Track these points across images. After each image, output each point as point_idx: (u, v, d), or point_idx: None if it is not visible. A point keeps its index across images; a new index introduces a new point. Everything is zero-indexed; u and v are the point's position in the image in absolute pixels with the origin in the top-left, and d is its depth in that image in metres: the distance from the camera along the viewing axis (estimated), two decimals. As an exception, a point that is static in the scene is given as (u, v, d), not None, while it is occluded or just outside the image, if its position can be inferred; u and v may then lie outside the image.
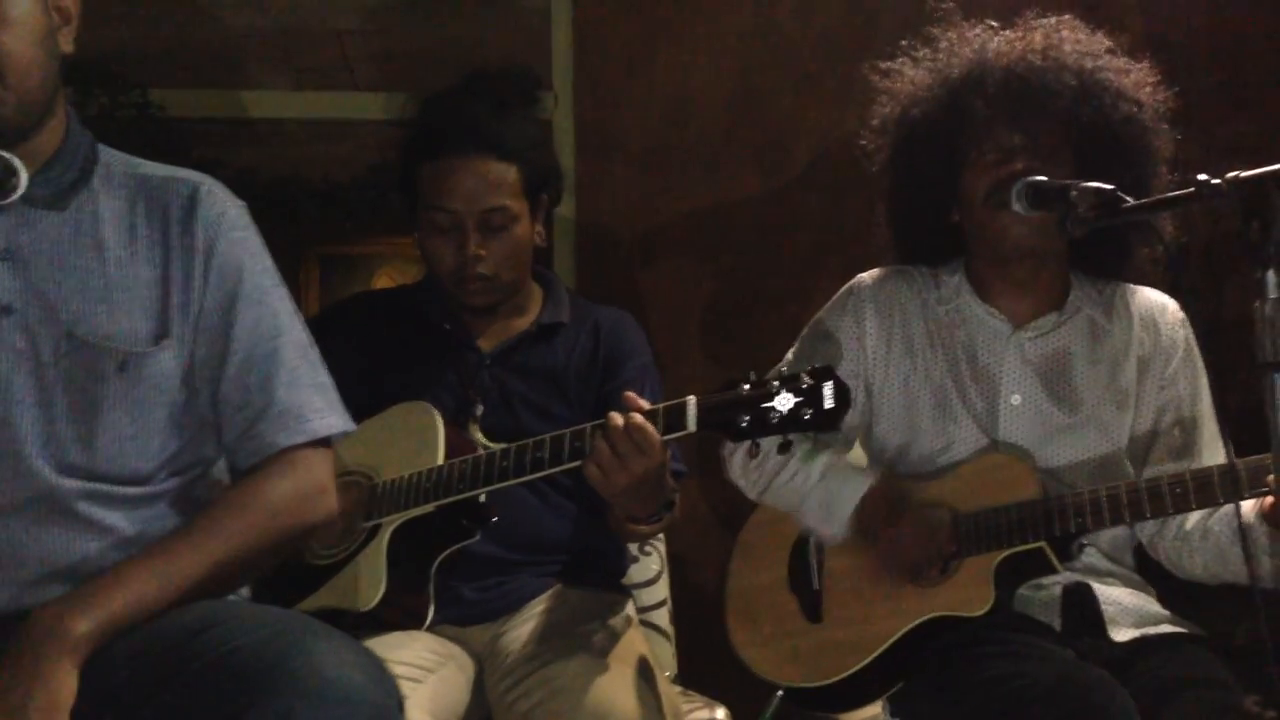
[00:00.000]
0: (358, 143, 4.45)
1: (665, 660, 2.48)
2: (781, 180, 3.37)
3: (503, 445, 2.04)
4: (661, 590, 2.54)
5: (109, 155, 1.65)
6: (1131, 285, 2.13)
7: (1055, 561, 1.89)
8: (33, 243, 1.54)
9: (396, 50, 4.11)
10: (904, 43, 2.12)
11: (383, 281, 5.72)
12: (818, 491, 2.03)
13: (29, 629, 1.40)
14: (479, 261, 2.17)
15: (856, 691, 1.97)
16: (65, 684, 1.37)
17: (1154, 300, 2.12)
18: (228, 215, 1.64)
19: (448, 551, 2.07)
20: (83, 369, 1.53)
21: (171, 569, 1.49)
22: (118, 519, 1.55)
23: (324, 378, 1.69)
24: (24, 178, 1.30)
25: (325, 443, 1.67)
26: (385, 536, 2.04)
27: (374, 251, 5.73)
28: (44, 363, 1.52)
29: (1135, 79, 2.02)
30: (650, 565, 2.55)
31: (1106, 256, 2.07)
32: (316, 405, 1.65)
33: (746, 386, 1.80)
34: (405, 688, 1.87)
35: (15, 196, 1.30)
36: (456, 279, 2.20)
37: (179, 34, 3.83)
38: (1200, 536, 1.95)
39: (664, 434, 1.83)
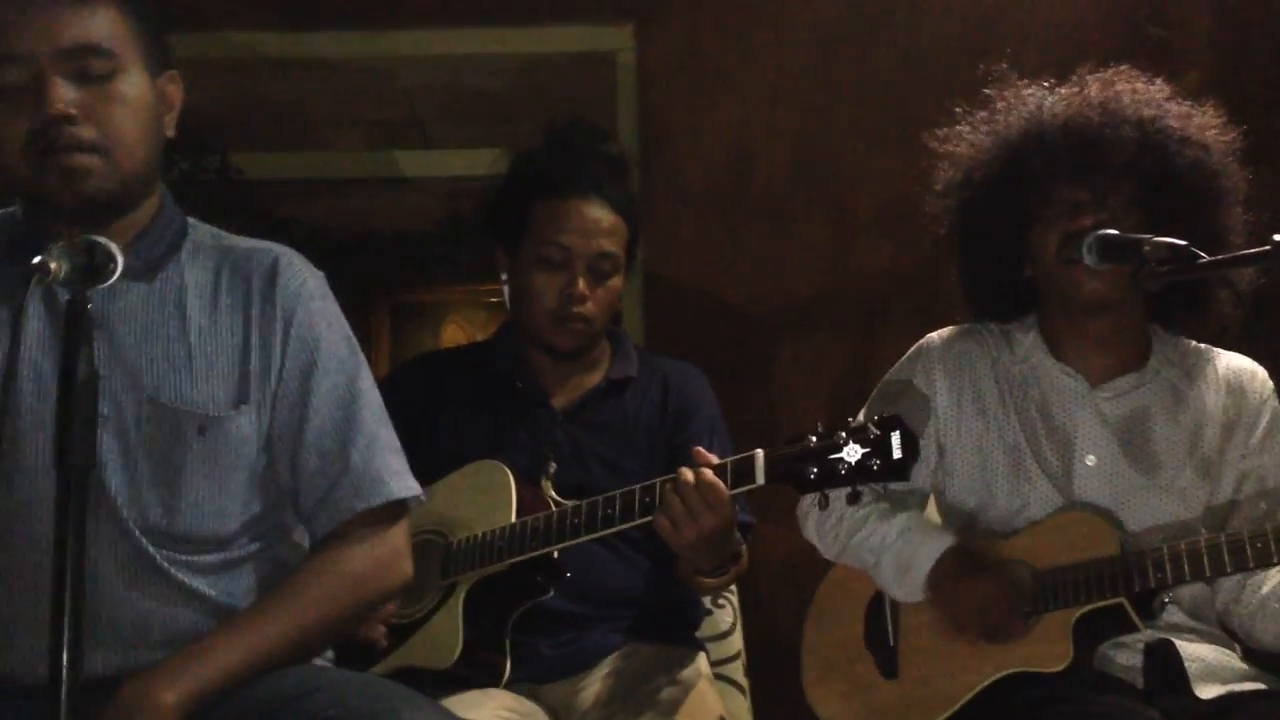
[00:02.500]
0: (426, 193, 4.53)
1: (740, 714, 2.47)
2: (846, 229, 3.38)
3: (574, 502, 2.07)
4: (736, 643, 2.54)
5: (197, 230, 1.72)
6: (1216, 349, 2.09)
7: (1136, 618, 1.87)
8: (120, 312, 1.60)
9: (463, 105, 4.19)
10: (959, 109, 2.12)
11: (451, 329, 5.82)
12: (894, 550, 2.02)
13: (119, 700, 1.44)
14: (583, 302, 2.20)
15: (934, 749, 1.96)
16: None
17: (1241, 366, 2.08)
18: (307, 285, 1.69)
19: (522, 608, 2.10)
20: (164, 433, 1.58)
21: (255, 639, 1.53)
22: (202, 583, 1.59)
23: (397, 443, 1.72)
24: (120, 264, 1.36)
25: (401, 507, 1.70)
26: (461, 595, 2.07)
27: (443, 299, 5.84)
28: (128, 428, 1.57)
29: (1200, 122, 2.00)
30: (724, 618, 2.55)
31: (1186, 308, 2.04)
32: (394, 469, 1.69)
33: (814, 438, 1.81)
34: (484, 746, 1.91)
35: (110, 282, 1.35)
36: (557, 316, 2.22)
37: (254, 97, 3.94)
38: (1276, 602, 1.91)
39: (732, 487, 1.86)
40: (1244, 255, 1.66)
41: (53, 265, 1.27)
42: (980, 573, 1.93)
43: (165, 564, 1.57)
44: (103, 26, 1.56)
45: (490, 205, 2.33)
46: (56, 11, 1.53)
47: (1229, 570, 1.83)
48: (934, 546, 1.98)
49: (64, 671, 1.20)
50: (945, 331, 2.19)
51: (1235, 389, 2.05)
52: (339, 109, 4.14)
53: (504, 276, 2.33)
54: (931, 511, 2.20)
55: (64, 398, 1.26)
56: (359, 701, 1.39)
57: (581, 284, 2.20)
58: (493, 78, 3.92)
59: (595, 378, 2.33)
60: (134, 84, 1.58)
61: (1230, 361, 2.08)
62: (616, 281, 2.26)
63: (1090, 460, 2.01)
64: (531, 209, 2.25)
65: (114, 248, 1.35)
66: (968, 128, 2.12)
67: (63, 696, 1.18)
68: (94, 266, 1.32)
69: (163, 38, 1.63)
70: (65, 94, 1.53)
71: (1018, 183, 2.01)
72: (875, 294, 3.35)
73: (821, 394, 3.33)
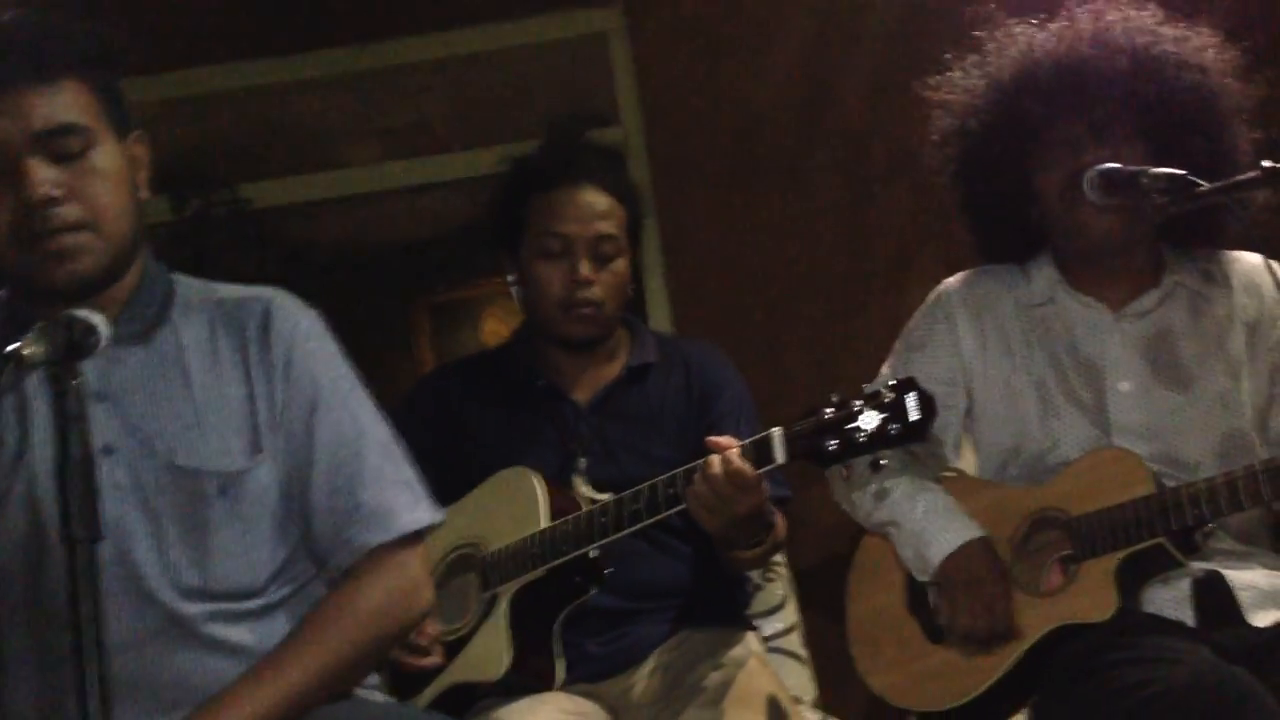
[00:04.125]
0: (446, 194, 4.54)
1: (803, 686, 2.46)
2: (861, 182, 3.32)
3: (606, 497, 2.07)
4: (790, 615, 2.53)
5: (185, 286, 1.72)
6: (1227, 252, 2.06)
7: (1178, 555, 1.83)
8: (124, 381, 1.61)
9: (470, 103, 4.19)
10: (948, 55, 2.08)
11: (491, 322, 5.82)
12: (913, 532, 2.03)
13: None
14: (589, 287, 2.20)
15: (988, 710, 1.94)
16: None
17: (1255, 263, 2.04)
18: (300, 327, 1.69)
19: (567, 610, 2.10)
20: (187, 495, 1.59)
21: (281, 684, 1.54)
22: (241, 633, 1.60)
23: (408, 473, 1.72)
24: (104, 334, 1.37)
25: (416, 537, 1.70)
26: (504, 605, 2.08)
27: (479, 294, 5.85)
28: (149, 495, 1.58)
29: (1195, 44, 1.95)
30: (775, 591, 2.54)
31: (1196, 229, 2.00)
32: (404, 501, 1.68)
33: (829, 410, 1.79)
34: (543, 751, 1.93)
35: (95, 353, 1.37)
36: (564, 305, 2.22)
37: (261, 124, 3.95)
38: None
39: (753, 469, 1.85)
40: (1241, 181, 1.62)
41: (27, 352, 1.28)
42: (971, 588, 1.93)
43: (201, 621, 1.58)
44: (72, 103, 1.56)
45: (488, 211, 2.34)
46: (24, 96, 1.54)
47: (1267, 501, 1.79)
48: (948, 541, 1.98)
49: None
50: (962, 275, 2.17)
51: (1252, 288, 2.02)
52: (347, 125, 4.15)
53: (511, 279, 2.33)
54: (967, 460, 2.19)
55: (60, 475, 1.27)
56: None
57: (584, 268, 2.20)
58: (494, 75, 3.90)
59: (615, 368, 2.32)
60: (108, 154, 1.59)
61: (1244, 261, 2.05)
62: (621, 264, 2.25)
63: (1124, 386, 1.98)
64: (527, 206, 2.26)
65: (95, 319, 1.35)
66: (959, 73, 2.09)
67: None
68: (74, 342, 1.33)
69: (124, 101, 1.63)
70: (46, 175, 1.53)
71: (1015, 126, 1.99)
72: (900, 244, 3.30)
73: (860, 350, 3.29)
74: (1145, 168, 1.72)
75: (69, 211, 1.54)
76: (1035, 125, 1.95)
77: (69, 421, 1.28)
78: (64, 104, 1.55)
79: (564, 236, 2.21)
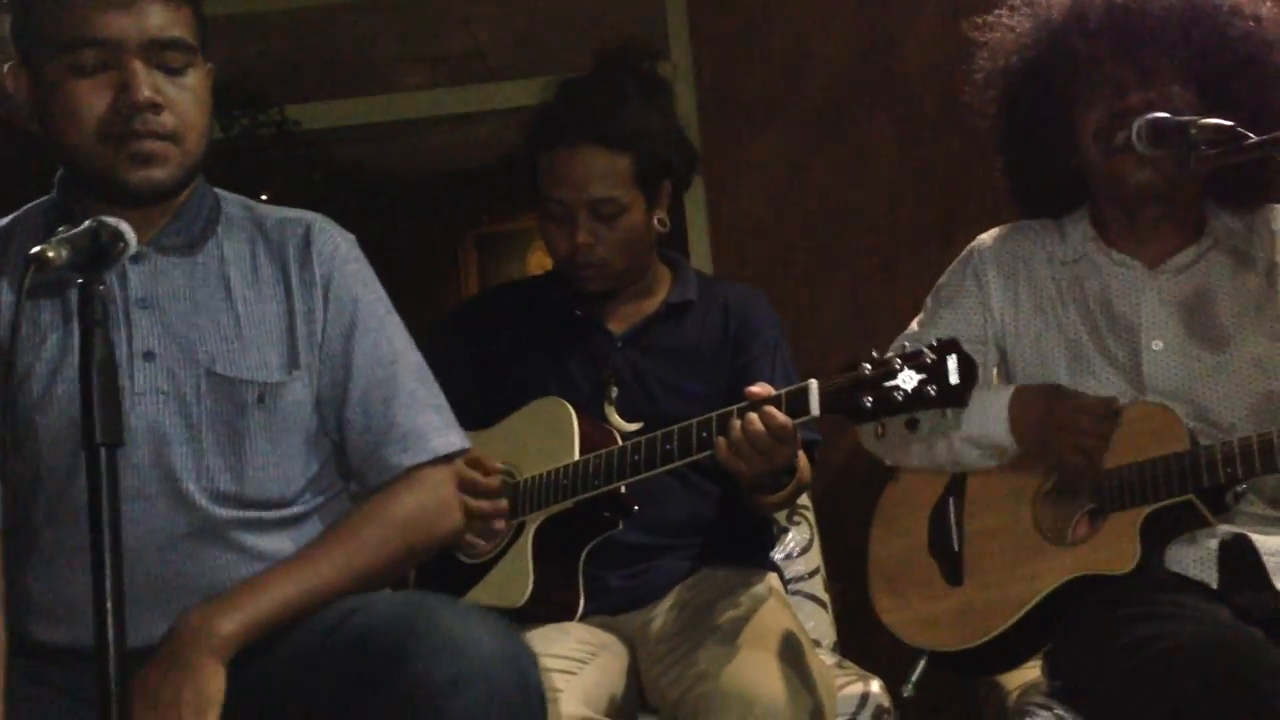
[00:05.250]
0: (497, 123, 4.52)
1: (823, 629, 2.48)
2: (913, 128, 3.27)
3: (637, 428, 2.08)
4: (814, 559, 2.54)
5: (229, 202, 1.77)
6: (1276, 206, 2.00)
7: (1207, 514, 1.81)
8: (168, 290, 1.66)
9: (522, 31, 4.16)
10: None
11: (538, 255, 5.84)
12: (968, 440, 2.00)
13: (178, 631, 1.51)
14: (588, 250, 2.19)
15: (1003, 654, 1.94)
16: (213, 681, 1.47)
17: None
18: (340, 250, 1.75)
19: (592, 544, 2.12)
20: (225, 404, 1.64)
21: (310, 575, 1.59)
22: (269, 541, 1.65)
23: (440, 398, 1.76)
24: (131, 242, 1.39)
25: (447, 460, 1.74)
26: (530, 533, 2.10)
27: (527, 227, 5.85)
28: (188, 401, 1.63)
29: None
30: (801, 534, 2.56)
31: (1241, 184, 1.95)
32: (436, 425, 1.73)
33: (868, 366, 1.77)
34: (559, 681, 1.94)
35: (125, 258, 1.40)
36: (569, 265, 2.24)
37: (314, 47, 3.95)
38: None
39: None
40: (1285, 134, 1.57)
41: (50, 254, 1.31)
42: (1054, 402, 1.92)
43: (233, 527, 1.63)
44: (184, 22, 1.62)
45: (506, 161, 2.32)
46: (148, 4, 1.60)
47: (1303, 461, 1.75)
48: (998, 406, 1.95)
49: (110, 644, 1.24)
50: (995, 231, 2.14)
51: None
52: (397, 50, 4.14)
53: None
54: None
55: (83, 379, 1.29)
56: (396, 611, 1.45)
57: (582, 234, 2.18)
58: (546, 3, 3.87)
59: (654, 303, 2.32)
60: (200, 77, 1.65)
61: None
62: (629, 219, 2.20)
63: (1157, 345, 1.95)
64: (535, 164, 2.24)
65: (123, 227, 1.38)
66: (1006, 13, 2.04)
67: (110, 670, 1.23)
68: (100, 248, 1.35)
69: (209, 33, 1.69)
70: (152, 80, 1.59)
71: (1060, 66, 1.94)
72: (947, 194, 3.24)
73: (901, 300, 3.25)
74: (1194, 118, 1.67)
75: (164, 120, 1.60)
76: (1081, 65, 1.91)
77: (92, 328, 1.30)
78: (179, 20, 1.61)
79: (561, 202, 2.19)
